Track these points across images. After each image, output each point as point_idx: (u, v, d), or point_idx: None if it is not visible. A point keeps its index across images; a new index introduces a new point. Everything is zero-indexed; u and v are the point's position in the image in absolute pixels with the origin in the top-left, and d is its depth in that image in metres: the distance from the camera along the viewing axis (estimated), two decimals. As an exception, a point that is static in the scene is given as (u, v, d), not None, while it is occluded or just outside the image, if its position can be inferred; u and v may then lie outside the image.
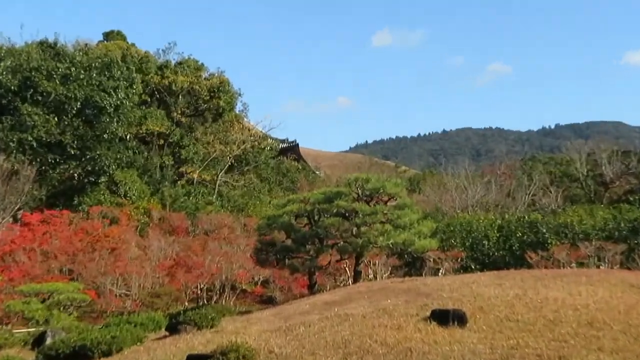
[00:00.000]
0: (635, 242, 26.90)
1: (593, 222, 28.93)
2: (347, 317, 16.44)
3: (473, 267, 29.34)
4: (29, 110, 30.25)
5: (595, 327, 15.01)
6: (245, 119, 45.12)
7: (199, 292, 28.56)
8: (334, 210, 23.34)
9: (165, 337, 17.86)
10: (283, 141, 49.93)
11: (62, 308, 24.80)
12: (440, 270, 28.93)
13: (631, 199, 34.46)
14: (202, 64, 42.43)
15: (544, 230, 28.91)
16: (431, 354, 13.55)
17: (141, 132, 36.75)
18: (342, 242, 23.65)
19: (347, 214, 23.29)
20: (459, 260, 28.54)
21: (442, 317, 15.22)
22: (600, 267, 26.45)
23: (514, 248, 29.32)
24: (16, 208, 29.37)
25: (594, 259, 26.19)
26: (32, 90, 31.04)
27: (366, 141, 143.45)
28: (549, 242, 28.26)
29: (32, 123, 30.08)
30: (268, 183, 42.79)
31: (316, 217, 23.80)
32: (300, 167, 49.34)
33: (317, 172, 52.52)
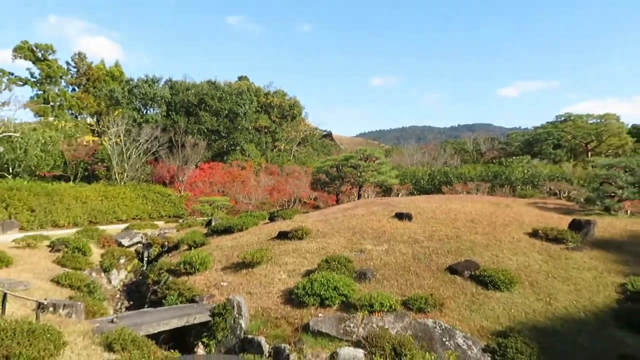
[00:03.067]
0: (495, 182, 42.88)
1: (475, 172, 46.32)
2: (354, 215, 23.54)
3: (416, 193, 44.30)
4: (203, 114, 55.06)
5: (474, 222, 21.62)
6: (306, 119, 69.34)
7: (284, 202, 43.07)
8: (349, 165, 36.13)
9: (267, 223, 26.08)
10: (325, 131, 76.47)
11: (218, 208, 38.03)
12: (400, 194, 41.49)
13: (494, 161, 55.48)
14: (285, 92, 66.38)
15: (451, 176, 46.10)
16: (395, 233, 20.21)
17: (257, 125, 60.25)
18: (352, 180, 36.71)
19: (355, 167, 35.74)
20: (409, 189, 44.10)
21: (400, 216, 22.19)
22: (477, 194, 38.04)
23: (436, 184, 45.95)
24: (197, 161, 49.18)
25: (475, 190, 39.79)
26: (204, 104, 55.38)
27: (365, 131, 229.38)
28: (453, 181, 44.33)
29: (204, 120, 55.47)
30: (317, 152, 66.36)
31: (340, 168, 36.58)
32: (332, 144, 74.51)
33: (341, 147, 76.04)
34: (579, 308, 15.24)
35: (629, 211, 26.24)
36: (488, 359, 12.84)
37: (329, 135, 79.63)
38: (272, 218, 26.99)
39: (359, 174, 35.42)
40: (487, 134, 70.22)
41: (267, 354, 13.23)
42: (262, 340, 13.71)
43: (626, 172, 26.37)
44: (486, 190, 39.21)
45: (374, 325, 13.65)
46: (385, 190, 42.20)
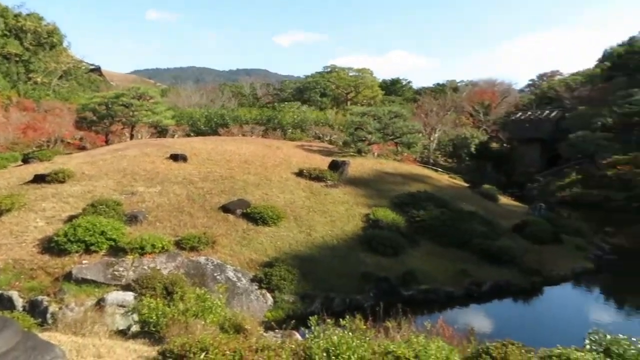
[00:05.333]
0: (268, 125, 43.87)
1: (250, 115, 46.55)
2: (125, 156, 22.77)
3: (192, 134, 42.84)
4: None
5: (247, 163, 23.11)
6: (69, 50, 62.12)
7: (42, 142, 36.49)
8: (120, 103, 34.26)
9: (20, 165, 24.05)
10: (92, 65, 69.74)
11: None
12: (176, 135, 41.24)
13: (268, 106, 58.89)
14: (42, 16, 57.35)
15: (227, 118, 45.34)
16: (169, 174, 20.54)
17: (5, 52, 51.78)
18: (124, 119, 35.15)
19: (127, 105, 34.16)
20: (185, 131, 43.39)
21: (175, 157, 22.44)
22: (252, 136, 38.75)
23: (212, 126, 45.22)
24: None
25: (250, 133, 39.50)
26: None
27: (140, 69, 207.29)
28: (229, 124, 43.50)
29: None
30: (83, 87, 61.06)
31: (110, 106, 34.52)
32: (102, 80, 68.99)
33: (112, 84, 71.69)
34: (333, 237, 17.57)
35: (376, 153, 30.74)
36: (255, 287, 14.00)
37: (97, 69, 71.68)
38: (26, 160, 24.40)
39: (131, 113, 33.93)
40: (264, 80, 72.88)
41: (22, 309, 12.00)
42: (15, 294, 12.35)
43: (375, 119, 30.60)
44: (260, 133, 40.88)
45: (145, 267, 13.51)
46: (161, 132, 41.31)
